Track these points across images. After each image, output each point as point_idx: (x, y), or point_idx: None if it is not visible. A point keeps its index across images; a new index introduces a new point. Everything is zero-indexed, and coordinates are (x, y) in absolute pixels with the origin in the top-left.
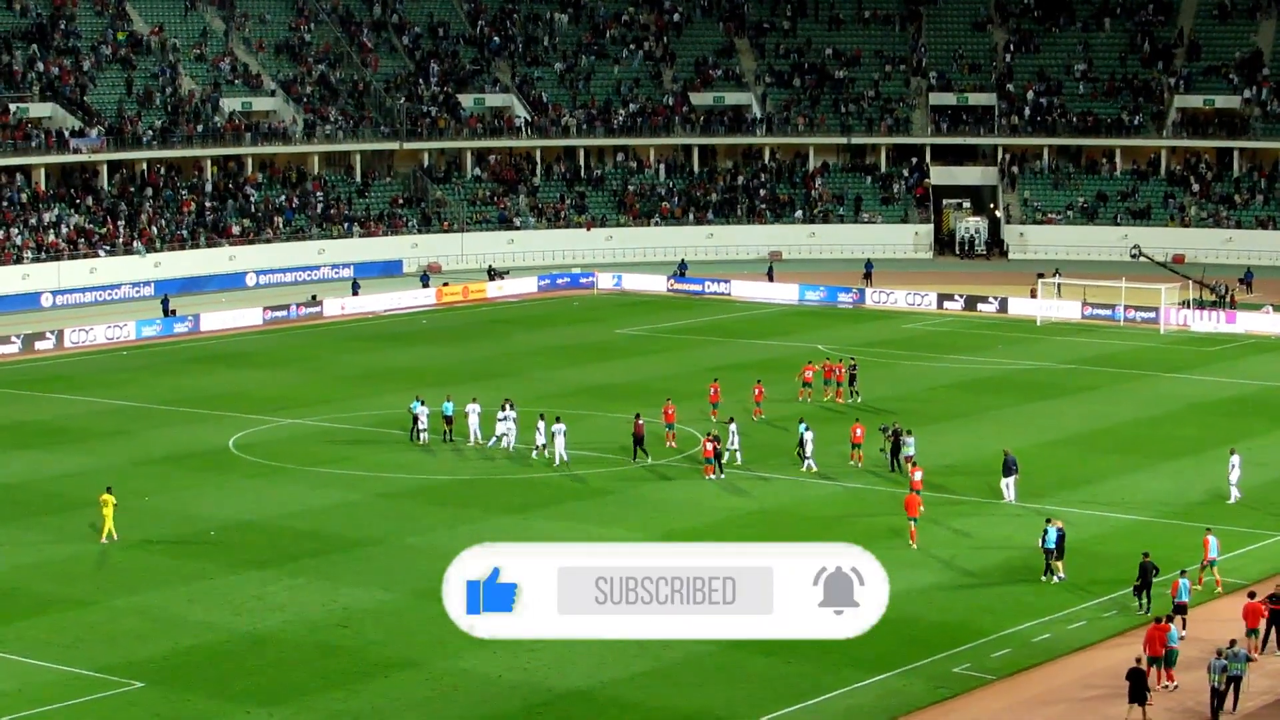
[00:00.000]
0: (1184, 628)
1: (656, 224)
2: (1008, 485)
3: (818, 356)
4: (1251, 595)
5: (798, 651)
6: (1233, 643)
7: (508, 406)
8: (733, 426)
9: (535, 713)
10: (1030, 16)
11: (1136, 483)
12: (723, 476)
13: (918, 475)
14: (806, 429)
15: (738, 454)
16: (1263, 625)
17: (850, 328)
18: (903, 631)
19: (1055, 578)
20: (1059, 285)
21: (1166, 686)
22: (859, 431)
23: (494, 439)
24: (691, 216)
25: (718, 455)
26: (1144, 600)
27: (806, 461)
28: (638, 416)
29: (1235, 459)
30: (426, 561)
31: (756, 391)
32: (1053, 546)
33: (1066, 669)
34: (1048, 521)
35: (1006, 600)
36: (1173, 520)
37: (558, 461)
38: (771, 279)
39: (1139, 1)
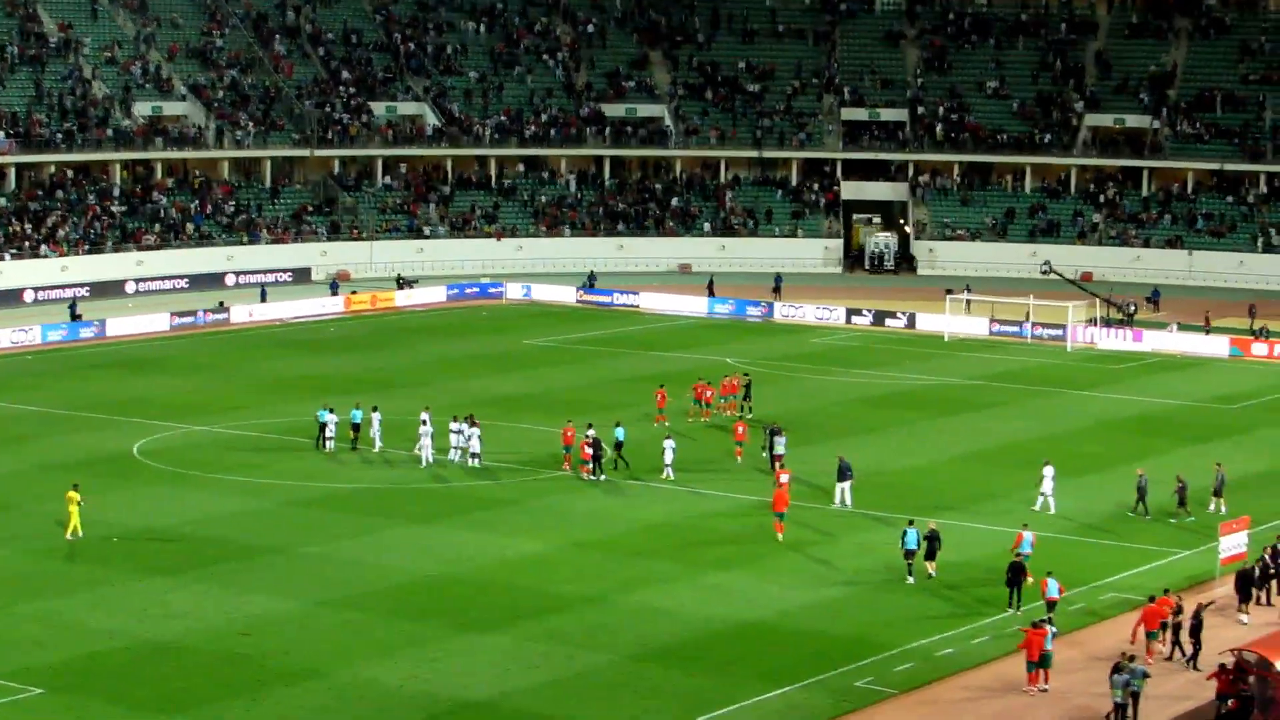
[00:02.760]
0: (1052, 625)
1: (567, 235)
2: (842, 490)
3: (719, 371)
4: (1151, 599)
5: (701, 664)
6: (1131, 658)
7: (428, 418)
8: (669, 443)
9: None
10: (943, 33)
11: (1038, 497)
12: (602, 478)
13: (784, 478)
14: (667, 439)
15: (669, 470)
16: (1170, 630)
17: (759, 341)
18: (806, 645)
19: (922, 576)
20: (968, 301)
21: (1043, 689)
22: (741, 429)
23: (455, 453)
24: (602, 228)
25: (596, 457)
26: (1015, 598)
27: (668, 469)
28: (590, 426)
29: (1048, 470)
30: (330, 570)
31: (659, 398)
32: (914, 548)
33: (969, 682)
34: (909, 523)
35: (909, 614)
36: (1077, 536)
37: (471, 462)
38: (712, 293)
39: (1051, 20)
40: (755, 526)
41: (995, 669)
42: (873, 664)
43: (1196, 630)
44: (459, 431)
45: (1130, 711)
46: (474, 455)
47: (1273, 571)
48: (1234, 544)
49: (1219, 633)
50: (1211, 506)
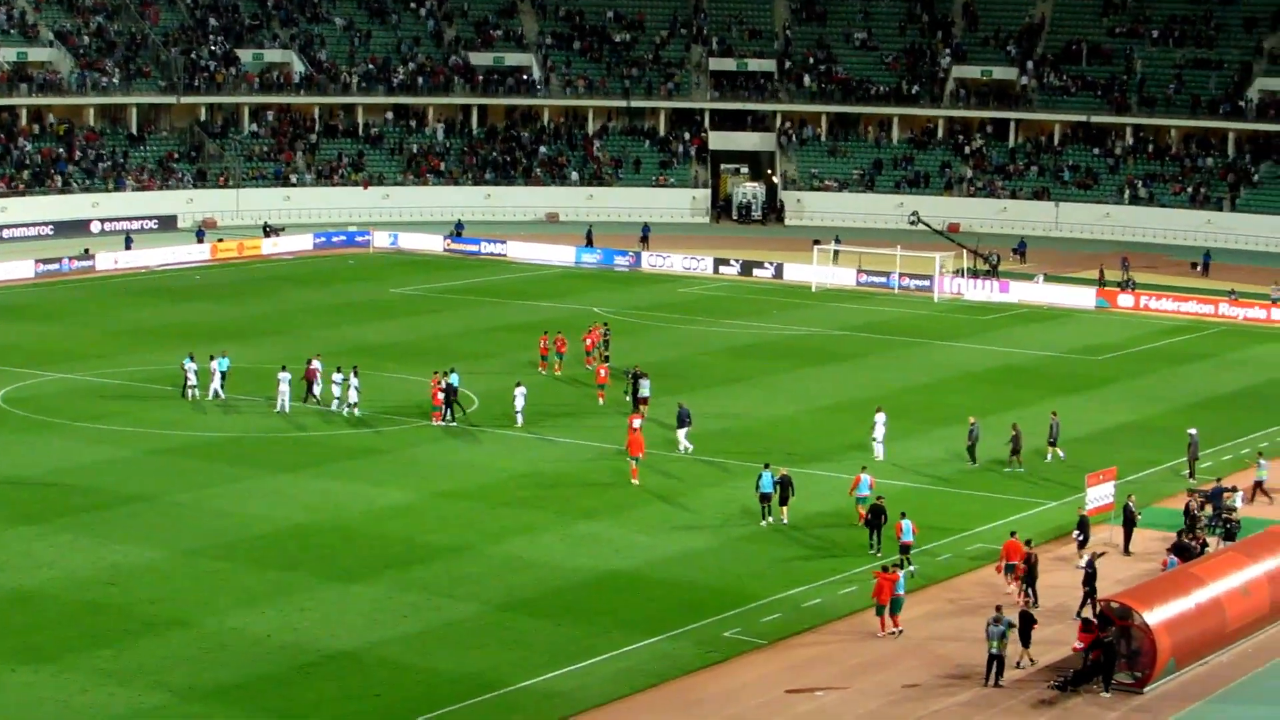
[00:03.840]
0: (910, 566)
1: (434, 184)
2: (682, 436)
3: (585, 321)
4: (1013, 534)
5: (569, 614)
6: (999, 609)
7: (352, 373)
8: (519, 389)
9: (304, 672)
10: None
11: (907, 449)
12: (453, 424)
13: (637, 423)
14: (519, 385)
15: (519, 415)
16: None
17: (626, 291)
18: (674, 595)
19: (767, 521)
20: (835, 252)
21: (893, 633)
22: (603, 372)
23: (336, 403)
24: (469, 177)
25: (448, 402)
26: (875, 539)
27: (517, 415)
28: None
29: (880, 417)
30: (198, 519)
31: (558, 343)
32: (769, 491)
33: (836, 632)
34: (765, 467)
35: (777, 565)
36: (942, 487)
37: (345, 410)
38: (590, 243)
39: None
40: (619, 475)
41: (863, 618)
42: (741, 614)
43: (1091, 579)
44: (340, 382)
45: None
46: (351, 405)
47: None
48: (1100, 495)
49: (1056, 576)
50: (1049, 456)
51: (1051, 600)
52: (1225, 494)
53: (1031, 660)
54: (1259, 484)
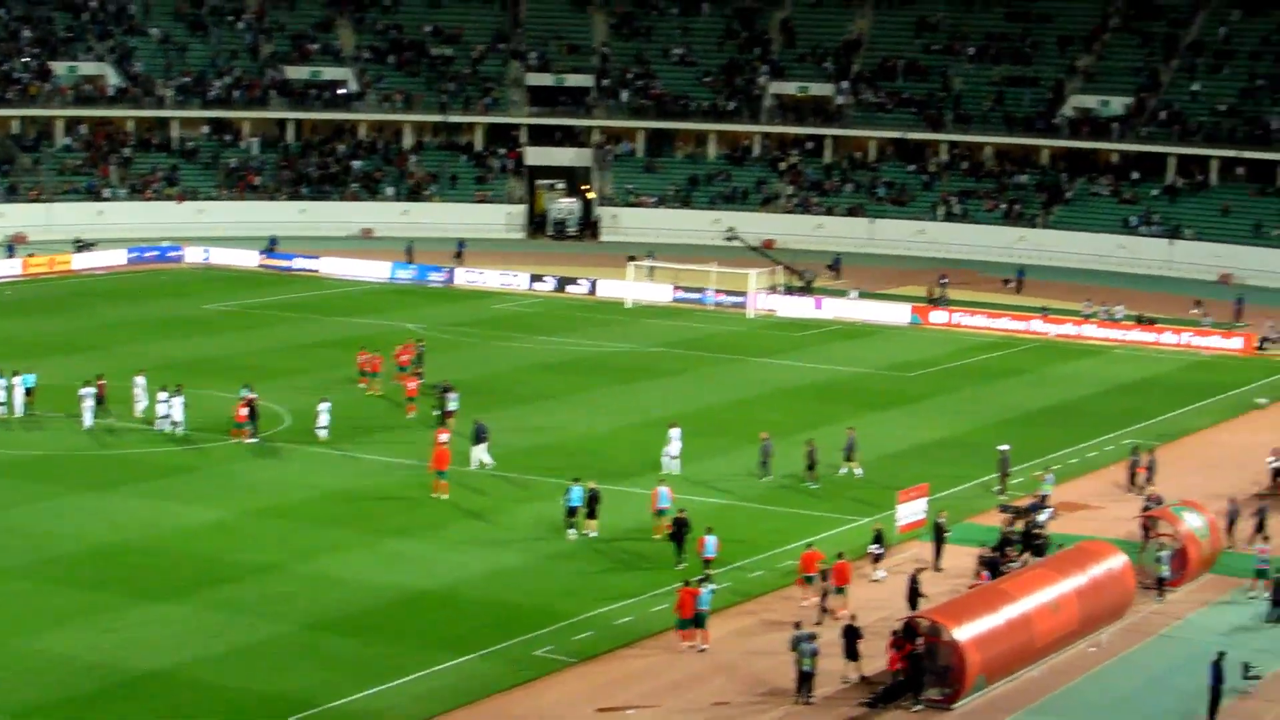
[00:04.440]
0: (711, 582)
1: (249, 199)
2: (479, 452)
3: (398, 338)
4: (809, 544)
5: (379, 633)
6: (798, 624)
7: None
8: (323, 405)
9: (112, 694)
10: (631, 0)
11: (721, 466)
12: (256, 440)
13: (444, 437)
14: (323, 401)
15: (322, 431)
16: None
17: (441, 307)
18: (485, 614)
19: (580, 534)
20: (650, 268)
21: (698, 648)
22: (412, 385)
23: (160, 421)
24: (284, 192)
25: (252, 417)
26: (680, 553)
27: (322, 431)
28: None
29: (674, 431)
30: (3, 538)
31: (373, 362)
32: (577, 505)
33: (647, 650)
34: (574, 481)
35: (589, 582)
36: (754, 504)
37: (169, 428)
38: (410, 259)
39: None
40: (430, 491)
41: (674, 635)
42: (552, 632)
43: (914, 595)
44: (165, 401)
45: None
46: (175, 423)
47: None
48: (912, 511)
49: (872, 590)
50: (844, 470)
51: (872, 615)
52: (1039, 511)
53: (863, 677)
54: (1043, 498)
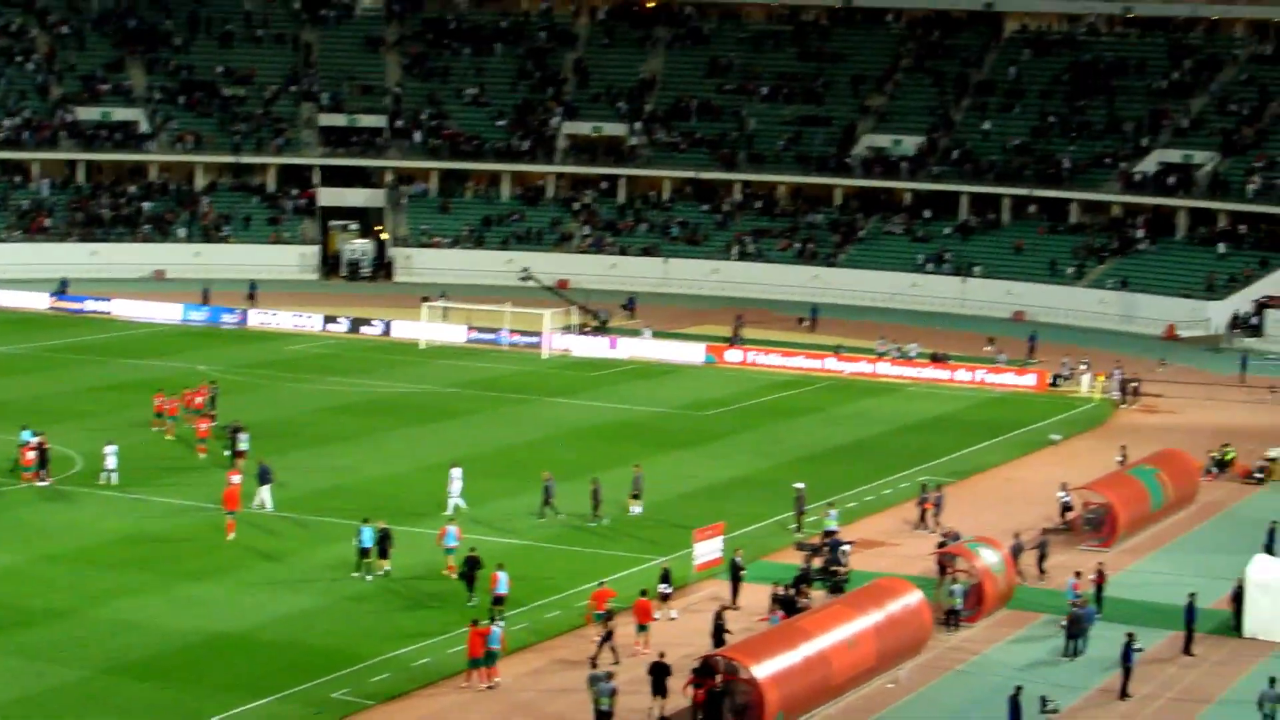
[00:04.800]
0: (500, 620)
1: (40, 240)
2: (262, 494)
3: (191, 380)
4: (601, 582)
5: (174, 677)
6: (594, 664)
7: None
8: (109, 448)
9: None
10: (423, 40)
11: (514, 506)
12: (47, 484)
13: (235, 478)
14: (109, 444)
15: (113, 474)
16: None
17: (234, 348)
18: (281, 656)
19: (374, 574)
20: (444, 309)
21: (488, 686)
22: (204, 426)
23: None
24: (75, 233)
25: (42, 461)
26: (471, 592)
27: (109, 474)
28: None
29: (455, 471)
30: None
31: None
32: (369, 545)
33: (443, 691)
34: (364, 521)
35: (385, 623)
36: (549, 544)
37: None
38: (206, 302)
39: (531, 29)
40: (224, 534)
41: (467, 677)
42: (349, 675)
43: (719, 633)
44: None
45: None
46: None
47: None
48: (708, 550)
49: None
50: (634, 509)
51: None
52: (839, 547)
53: (662, 716)
54: (828, 534)
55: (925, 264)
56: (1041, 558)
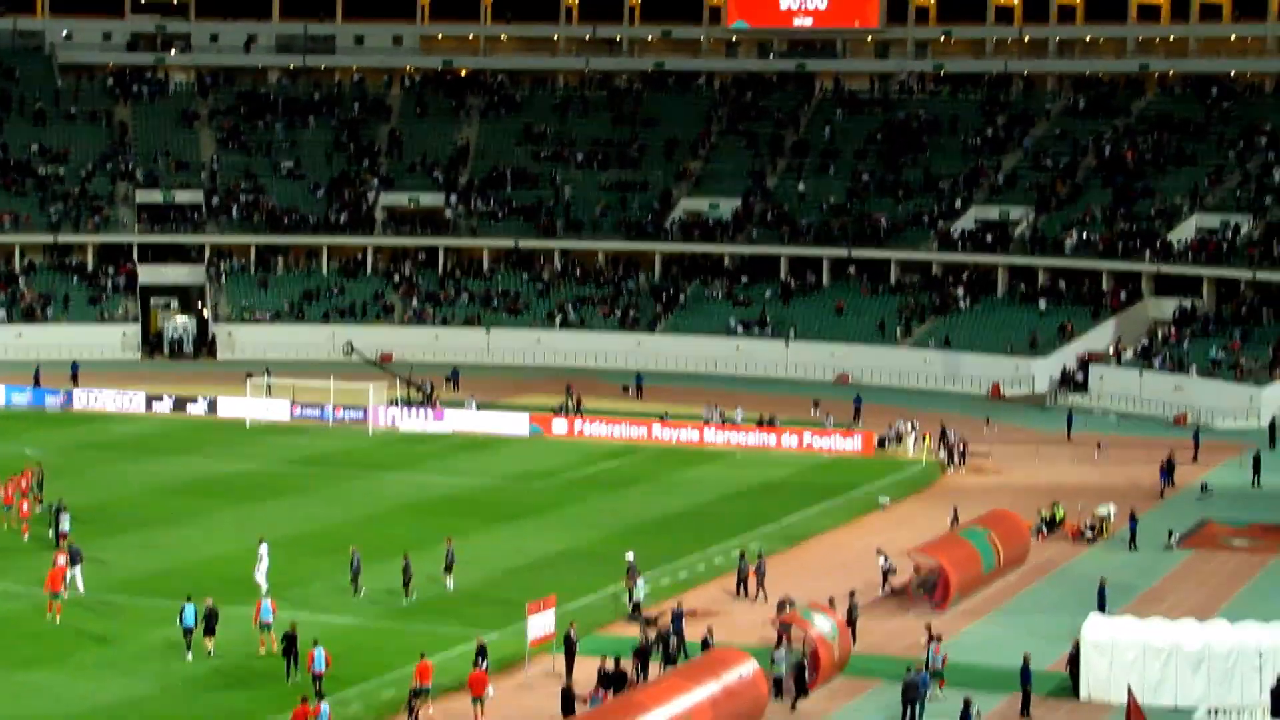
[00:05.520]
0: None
1: None
2: (73, 575)
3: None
4: (422, 655)
5: None
6: None
7: None
8: None
9: None
10: (237, 114)
11: (336, 583)
12: None
13: (61, 559)
14: None
15: None
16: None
17: (58, 430)
18: None
19: (201, 654)
20: (268, 385)
21: None
22: (25, 506)
23: None
24: None
25: None
26: (290, 668)
27: None
28: None
29: (263, 548)
30: None
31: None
32: (192, 624)
33: None
34: (187, 599)
35: (213, 703)
36: (387, 622)
37: None
38: (38, 383)
39: (345, 100)
40: (61, 618)
41: None
42: None
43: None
44: None
45: None
46: None
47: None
48: (541, 625)
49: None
50: (448, 583)
51: None
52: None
53: None
54: (636, 606)
55: (748, 327)
56: (850, 620)
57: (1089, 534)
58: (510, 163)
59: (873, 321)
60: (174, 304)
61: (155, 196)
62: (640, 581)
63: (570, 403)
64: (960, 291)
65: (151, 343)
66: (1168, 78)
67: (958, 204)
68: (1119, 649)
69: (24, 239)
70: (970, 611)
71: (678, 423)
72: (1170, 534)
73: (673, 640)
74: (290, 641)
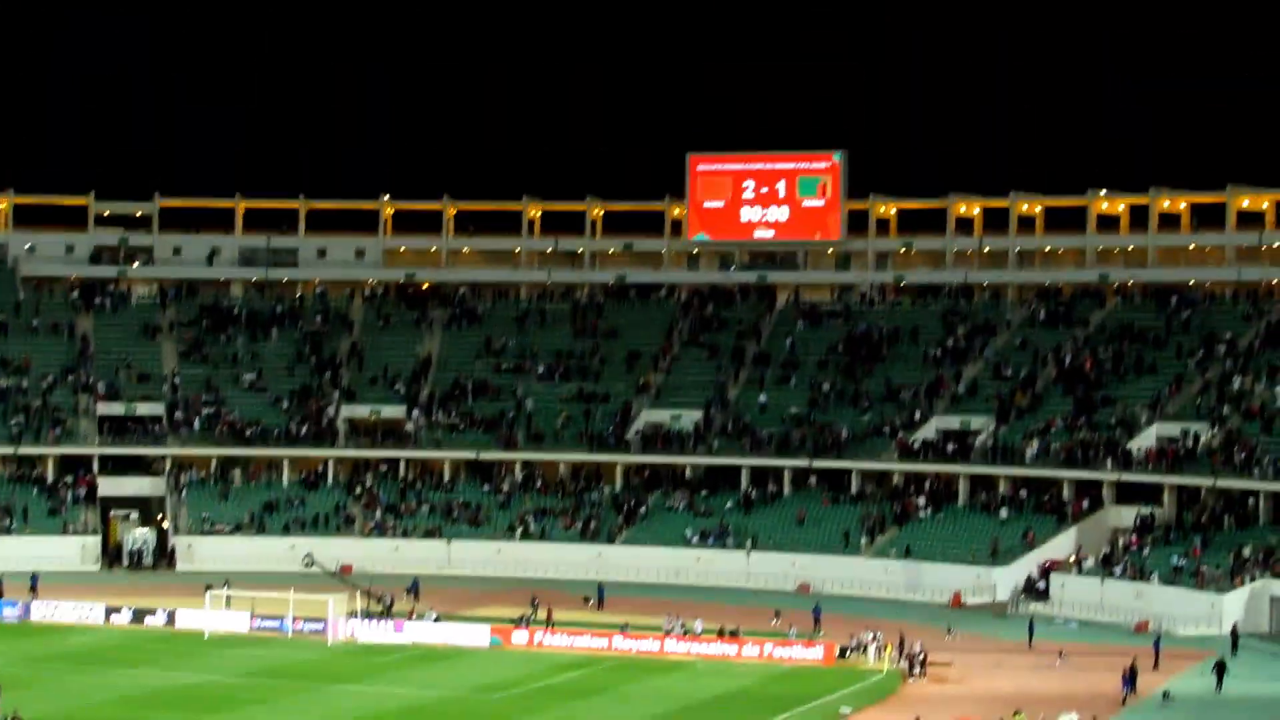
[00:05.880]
0: None
1: None
2: None
3: None
4: None
5: None
6: None
7: None
8: None
9: None
10: (199, 326)
11: None
12: None
13: None
14: None
15: None
16: None
17: (16, 642)
18: None
19: None
20: (227, 597)
21: None
22: None
23: None
24: None
25: None
26: None
27: None
28: None
29: None
30: None
31: None
32: None
33: None
34: None
35: None
36: None
37: None
38: (35, 591)
39: (307, 313)
40: None
41: None
42: None
43: None
44: None
45: None
46: None
47: None
48: None
49: None
50: None
51: None
52: None
53: None
54: None
55: (710, 538)
56: None
57: None
58: (472, 375)
59: (833, 531)
60: (134, 515)
61: (117, 409)
62: None
63: (535, 614)
64: (922, 501)
65: (111, 554)
66: (1127, 287)
67: (918, 414)
68: None
69: None
70: None
71: (639, 634)
72: None
73: None
74: None
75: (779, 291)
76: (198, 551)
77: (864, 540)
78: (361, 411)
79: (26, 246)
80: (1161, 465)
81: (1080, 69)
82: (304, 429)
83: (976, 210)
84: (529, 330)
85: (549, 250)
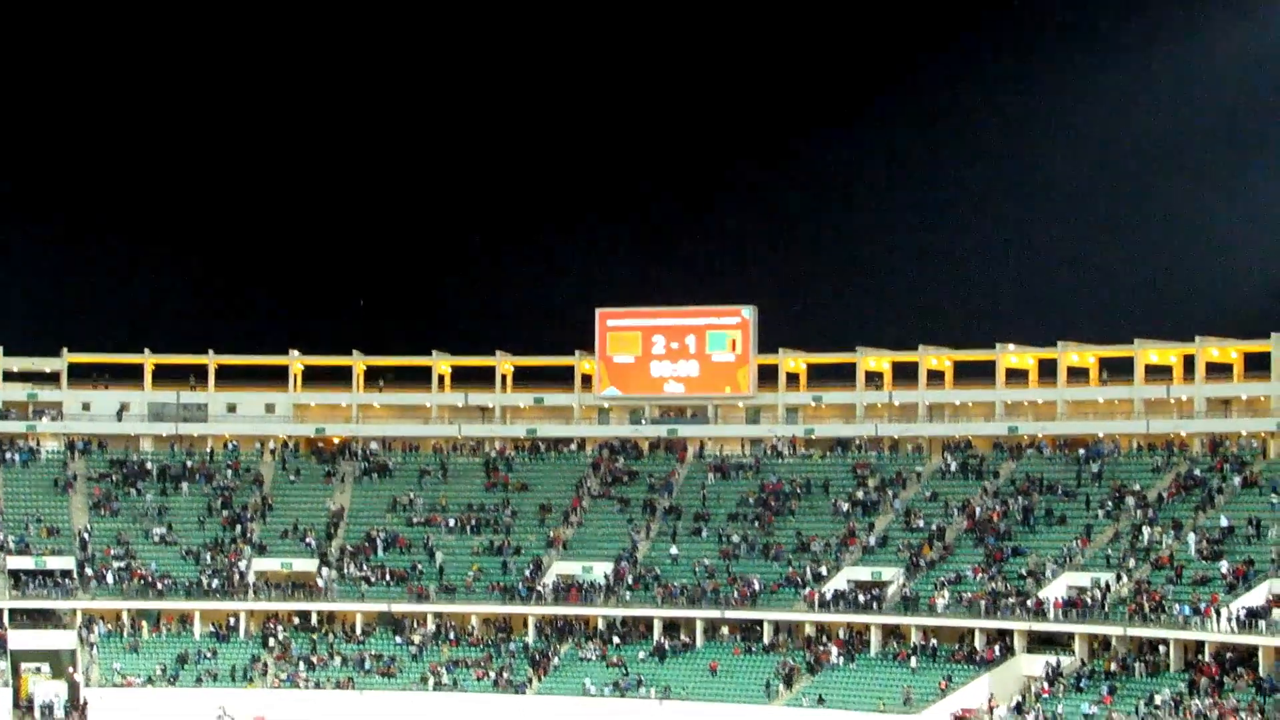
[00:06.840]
0: None
1: None
2: None
3: None
4: None
5: None
6: None
7: None
8: None
9: None
10: (109, 480)
11: None
12: None
13: None
14: None
15: None
16: None
17: None
18: None
19: None
20: None
21: None
22: None
23: None
24: None
25: None
26: None
27: None
28: None
29: None
30: None
31: None
32: None
33: None
34: None
35: None
36: None
37: None
38: None
39: (218, 467)
40: None
41: None
42: None
43: None
44: None
45: None
46: None
47: None
48: None
49: None
50: None
51: None
52: None
53: None
54: None
55: (623, 689)
56: None
57: None
58: (383, 528)
59: (746, 681)
60: (45, 669)
61: (27, 563)
62: None
63: None
64: (834, 650)
65: (22, 708)
66: (1037, 439)
67: (830, 565)
68: None
69: None
70: None
71: None
72: None
73: None
74: None
75: (690, 444)
76: (110, 704)
77: (780, 689)
78: (273, 565)
79: None
80: (1071, 614)
81: (985, 226)
82: (215, 581)
83: (886, 364)
84: (440, 484)
85: (459, 405)
